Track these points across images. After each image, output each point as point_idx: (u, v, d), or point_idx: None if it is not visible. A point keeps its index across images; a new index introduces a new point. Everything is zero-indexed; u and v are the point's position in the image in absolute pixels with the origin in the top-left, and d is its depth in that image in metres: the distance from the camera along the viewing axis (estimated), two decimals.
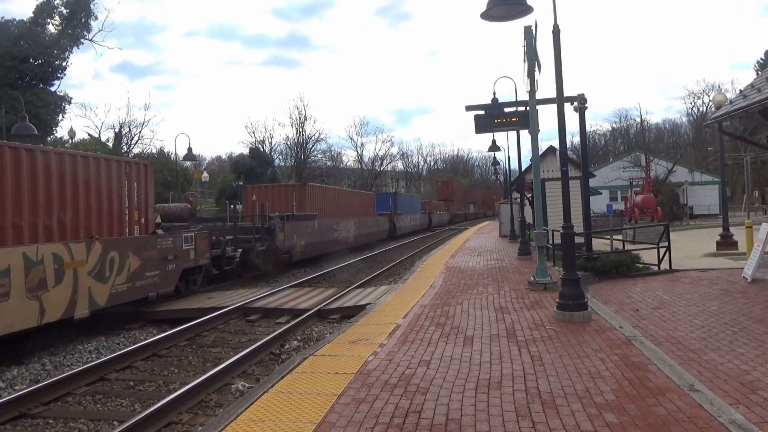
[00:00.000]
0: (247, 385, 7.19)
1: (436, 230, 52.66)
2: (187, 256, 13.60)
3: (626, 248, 15.77)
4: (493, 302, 9.97)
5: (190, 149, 32.32)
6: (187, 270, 13.72)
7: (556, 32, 9.30)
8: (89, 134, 46.99)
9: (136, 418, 5.73)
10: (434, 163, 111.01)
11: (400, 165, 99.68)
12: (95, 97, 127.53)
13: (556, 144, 17.81)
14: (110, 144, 45.47)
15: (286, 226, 19.87)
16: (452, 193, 76.74)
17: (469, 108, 13.78)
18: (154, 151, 50.83)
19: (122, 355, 8.60)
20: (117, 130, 48.09)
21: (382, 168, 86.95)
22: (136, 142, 48.99)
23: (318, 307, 11.85)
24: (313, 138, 70.07)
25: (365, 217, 32.42)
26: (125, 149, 46.59)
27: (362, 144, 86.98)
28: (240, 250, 16.99)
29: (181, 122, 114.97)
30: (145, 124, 49.59)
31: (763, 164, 50.81)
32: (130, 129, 48.85)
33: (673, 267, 13.14)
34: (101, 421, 6.31)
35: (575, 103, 13.82)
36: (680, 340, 6.78)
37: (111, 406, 6.91)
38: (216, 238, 15.62)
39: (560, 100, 9.42)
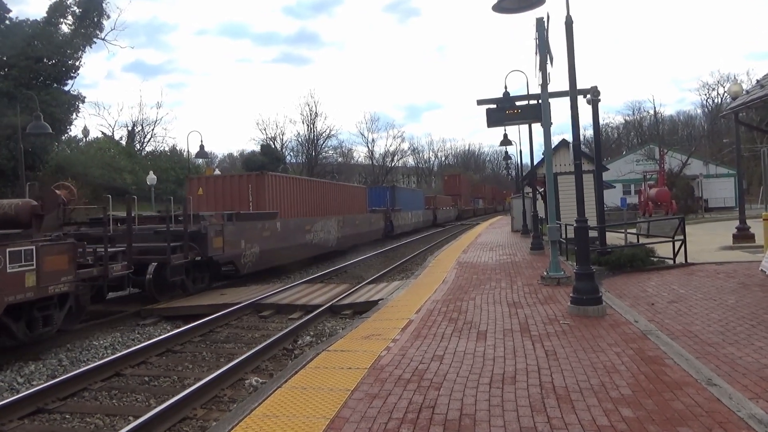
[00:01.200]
0: (261, 381, 7.20)
1: (441, 227, 49.05)
2: (14, 284, 8.45)
3: (640, 242, 15.61)
4: (506, 297, 9.91)
5: (202, 147, 32.45)
6: (16, 307, 8.63)
7: (568, 24, 9.19)
8: (103, 132, 47.46)
9: (151, 413, 5.76)
10: (445, 159, 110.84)
11: (411, 161, 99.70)
12: (108, 96, 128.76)
13: (568, 137, 17.68)
14: (123, 142, 45.86)
15: (228, 228, 14.75)
16: (460, 188, 73.75)
17: (480, 102, 13.71)
18: (167, 148, 51.29)
19: (137, 351, 8.65)
20: (130, 128, 48.48)
21: (393, 164, 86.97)
22: (149, 140, 49.40)
23: (330, 303, 11.85)
24: (324, 134, 70.32)
25: (353, 214, 27.52)
26: (138, 147, 46.95)
27: (373, 140, 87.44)
28: (155, 264, 12.51)
29: (193, 120, 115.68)
30: (157, 122, 50.19)
31: None
32: (143, 127, 49.31)
33: (688, 260, 12.99)
34: (117, 416, 6.35)
35: (588, 96, 13.69)
36: (697, 334, 6.69)
37: (126, 401, 6.96)
38: (85, 250, 10.36)
39: (573, 92, 9.32)
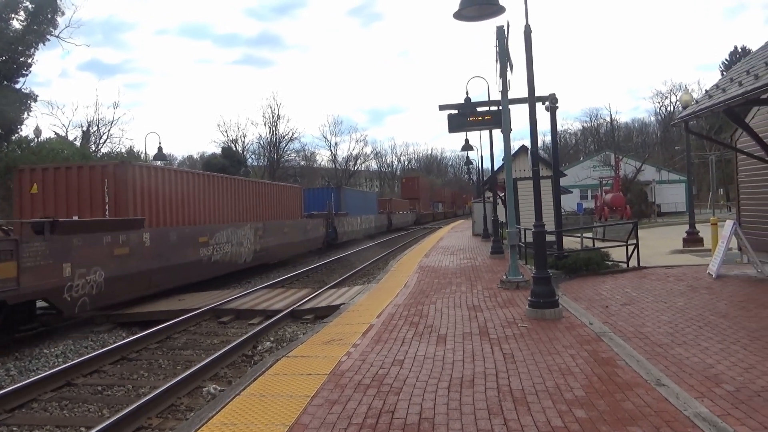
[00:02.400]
0: (219, 388, 7.09)
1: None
2: None
3: (596, 246, 16.04)
4: (466, 301, 10.03)
5: (160, 148, 31.74)
6: None
7: (527, 33, 9.40)
8: (56, 133, 45.91)
9: (104, 424, 5.60)
10: (408, 163, 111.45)
11: (374, 164, 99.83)
12: (62, 95, 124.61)
13: (528, 143, 18.01)
14: (78, 143, 44.46)
15: (32, 247, 9.72)
16: (418, 191, 70.79)
17: (442, 107, 13.86)
18: (124, 150, 49.93)
19: (90, 359, 8.40)
20: (85, 128, 47.05)
21: (356, 167, 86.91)
22: (104, 141, 48.01)
23: (291, 308, 11.77)
24: (286, 137, 69.71)
25: (280, 220, 22.47)
26: (93, 148, 45.61)
27: (336, 143, 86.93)
28: None
29: (151, 121, 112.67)
30: (114, 122, 48.67)
31: (728, 163, 52.23)
32: (98, 128, 47.86)
33: (641, 264, 13.41)
34: (68, 427, 6.16)
35: (546, 103, 13.98)
36: (648, 336, 6.91)
37: (78, 411, 6.75)
38: None
39: (532, 99, 9.53)
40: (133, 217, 13.33)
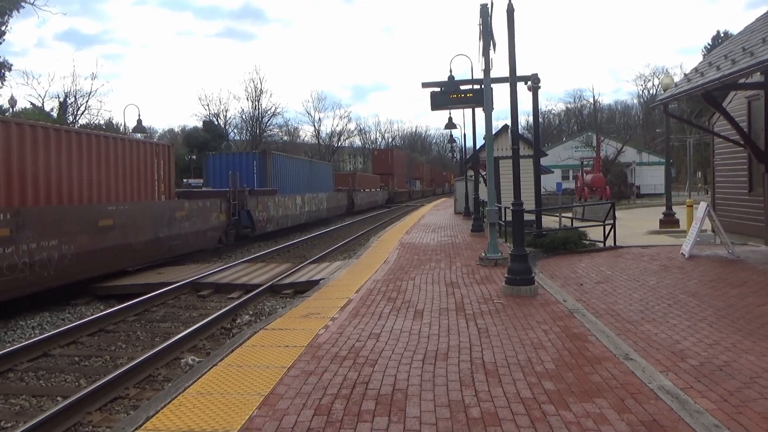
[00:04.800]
0: (197, 359, 7.14)
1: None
2: None
3: (574, 226, 16.26)
4: (445, 277, 10.15)
5: (139, 121, 31.08)
6: None
7: (510, 11, 9.38)
8: (32, 103, 44.81)
9: (81, 393, 5.62)
10: (392, 140, 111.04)
11: (358, 141, 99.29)
12: (39, 65, 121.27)
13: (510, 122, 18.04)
14: (55, 114, 43.49)
15: None
16: (392, 166, 62.23)
17: (425, 85, 13.82)
18: (102, 122, 49.02)
19: (67, 331, 8.38)
20: (62, 99, 45.98)
21: (339, 143, 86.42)
22: (82, 113, 46.99)
23: (271, 283, 11.80)
24: (269, 112, 68.90)
25: (109, 205, 12.82)
26: (71, 120, 44.65)
27: (319, 119, 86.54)
28: None
29: (130, 93, 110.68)
30: (92, 94, 47.58)
31: (706, 146, 52.99)
32: (76, 99, 46.77)
33: (617, 244, 13.65)
34: (44, 397, 6.17)
35: (529, 83, 14.01)
36: (619, 313, 7.09)
37: (54, 381, 6.76)
38: None
39: (513, 79, 9.55)
40: None
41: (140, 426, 4.05)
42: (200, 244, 16.98)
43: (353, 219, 34.80)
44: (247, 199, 20.10)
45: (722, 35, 60.75)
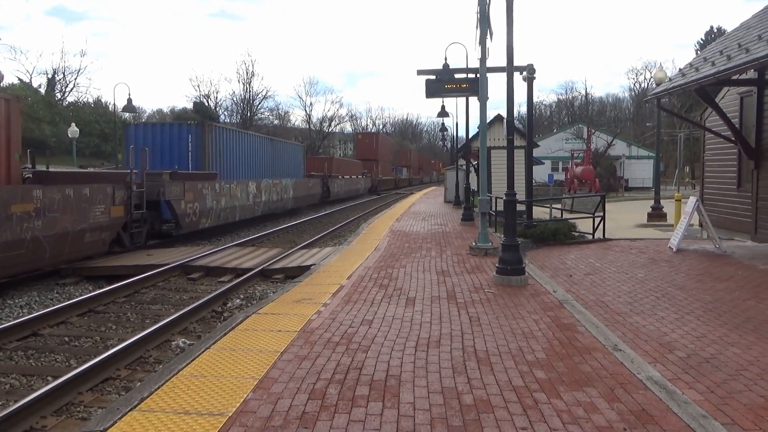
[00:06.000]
0: (189, 342, 7.14)
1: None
2: None
3: (564, 217, 16.38)
4: (436, 266, 10.21)
5: (129, 100, 30.74)
6: None
7: (509, 0, 9.34)
8: (20, 79, 44.12)
9: (72, 373, 5.61)
10: (383, 127, 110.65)
11: (349, 127, 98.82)
12: (27, 41, 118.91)
13: (503, 112, 18.07)
14: (42, 90, 42.86)
15: None
16: (377, 152, 58.95)
17: (420, 72, 13.80)
18: (91, 100, 48.41)
19: (57, 311, 8.33)
20: (50, 76, 45.31)
21: (330, 129, 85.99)
22: (71, 90, 46.40)
23: (262, 267, 11.79)
24: (260, 95, 68.36)
25: None
26: (59, 97, 44.04)
27: (311, 104, 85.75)
28: None
29: (120, 72, 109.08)
30: (80, 71, 47.01)
31: (696, 141, 53.48)
32: (64, 76, 46.15)
33: (606, 236, 13.78)
34: (34, 376, 6.15)
35: (524, 73, 14.04)
36: (608, 304, 7.18)
37: (45, 361, 6.73)
38: None
39: (510, 68, 9.55)
40: None
41: (135, 407, 4.06)
42: (71, 252, 11.63)
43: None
44: (166, 185, 14.96)
45: (716, 31, 61.03)
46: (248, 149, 23.14)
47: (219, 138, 20.07)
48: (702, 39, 64.12)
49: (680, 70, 13.51)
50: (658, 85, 17.98)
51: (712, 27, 65.69)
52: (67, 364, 6.61)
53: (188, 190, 16.20)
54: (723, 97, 14.01)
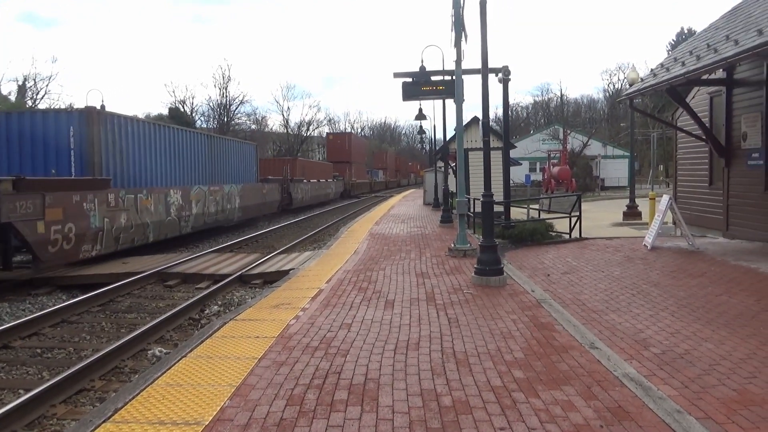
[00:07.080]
0: (165, 351, 7.04)
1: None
2: None
3: (542, 217, 16.53)
4: (415, 268, 10.22)
5: (103, 106, 30.13)
6: None
7: (483, 3, 9.41)
8: None
9: (44, 386, 5.48)
10: (361, 130, 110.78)
11: (327, 131, 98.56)
12: None
13: (480, 114, 18.21)
14: (13, 98, 42.00)
15: None
16: (350, 153, 56.56)
17: (397, 75, 13.80)
18: (64, 107, 47.51)
19: (28, 322, 8.15)
20: (20, 83, 44.42)
21: (308, 133, 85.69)
22: (42, 97, 45.53)
23: (240, 273, 11.68)
24: (237, 99, 67.81)
25: None
26: (30, 104, 43.22)
27: (288, 108, 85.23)
28: None
29: (93, 78, 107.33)
30: (52, 78, 46.11)
31: (669, 140, 54.47)
32: (35, 82, 45.26)
33: (582, 235, 13.94)
34: (5, 390, 6.00)
35: (500, 75, 14.13)
36: (585, 303, 7.25)
37: (16, 374, 6.57)
38: None
39: (485, 70, 9.60)
40: None
41: (109, 418, 3.97)
42: None
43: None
44: (3, 200, 10.01)
45: (686, 32, 62.25)
46: (171, 148, 17.82)
47: (119, 132, 14.82)
48: (673, 40, 65.37)
49: (652, 70, 13.74)
50: (631, 85, 18.27)
51: (683, 28, 67.01)
52: (39, 376, 6.46)
53: (52, 205, 11.24)
54: (693, 97, 14.29)
